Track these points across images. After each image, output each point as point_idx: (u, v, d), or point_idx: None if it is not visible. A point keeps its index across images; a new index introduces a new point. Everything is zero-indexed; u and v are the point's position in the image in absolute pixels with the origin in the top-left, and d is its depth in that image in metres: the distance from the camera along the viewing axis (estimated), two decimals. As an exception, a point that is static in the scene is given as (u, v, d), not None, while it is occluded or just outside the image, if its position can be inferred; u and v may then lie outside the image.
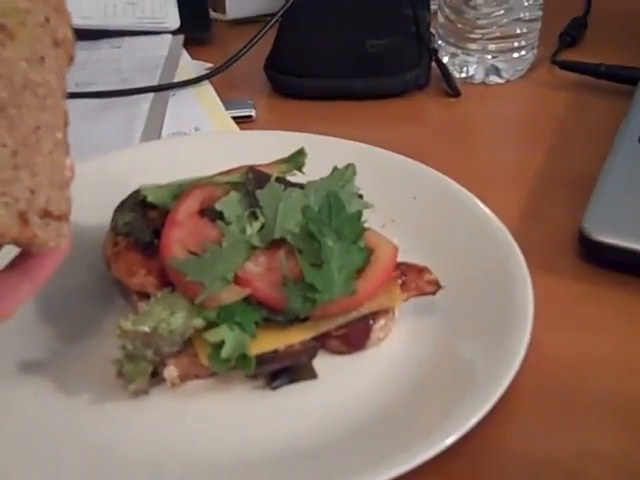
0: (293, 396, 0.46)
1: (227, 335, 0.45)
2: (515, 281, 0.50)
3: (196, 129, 0.70)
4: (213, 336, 0.45)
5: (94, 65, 0.78)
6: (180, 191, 0.51)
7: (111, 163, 0.61)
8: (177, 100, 0.73)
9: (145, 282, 0.48)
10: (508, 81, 0.77)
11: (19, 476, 0.41)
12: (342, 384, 0.47)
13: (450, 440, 0.41)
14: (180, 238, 0.48)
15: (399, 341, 0.49)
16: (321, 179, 0.51)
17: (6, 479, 0.40)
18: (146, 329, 0.45)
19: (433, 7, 0.78)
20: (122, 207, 0.52)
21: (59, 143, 0.41)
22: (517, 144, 0.71)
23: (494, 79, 0.77)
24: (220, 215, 0.49)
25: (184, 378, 0.46)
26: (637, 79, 0.69)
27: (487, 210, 0.55)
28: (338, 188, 0.50)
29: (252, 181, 0.51)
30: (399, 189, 0.59)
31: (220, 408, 0.46)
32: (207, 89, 0.75)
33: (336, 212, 0.49)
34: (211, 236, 0.48)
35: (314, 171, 0.53)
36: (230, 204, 0.49)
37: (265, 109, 0.74)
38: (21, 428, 0.44)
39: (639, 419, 0.45)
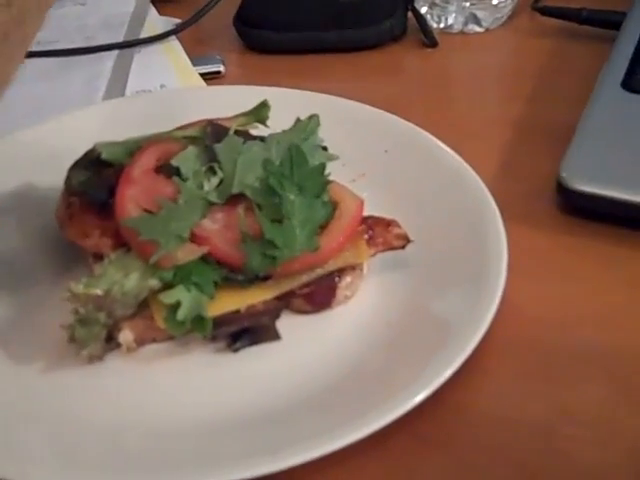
0: (256, 359, 0.44)
1: (183, 296, 0.42)
2: (488, 233, 0.47)
3: (162, 86, 0.67)
4: (168, 297, 0.42)
5: (57, 22, 0.75)
6: (136, 147, 0.49)
7: (72, 122, 0.59)
8: (143, 57, 0.71)
9: (100, 243, 0.46)
10: (488, 30, 0.74)
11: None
12: (307, 345, 0.45)
13: (419, 398, 0.39)
14: (134, 196, 0.45)
15: (367, 299, 0.47)
16: (283, 131, 0.49)
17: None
18: (98, 292, 0.42)
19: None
20: (76, 166, 0.50)
21: None
22: (497, 95, 0.68)
23: (473, 28, 0.74)
24: (177, 171, 0.46)
25: (140, 342, 0.44)
26: (619, 24, 0.66)
27: (461, 161, 0.53)
28: (301, 140, 0.48)
29: (210, 135, 0.48)
30: (370, 142, 0.56)
31: (179, 373, 0.44)
32: (174, 45, 0.72)
33: (298, 165, 0.46)
34: (167, 193, 0.45)
35: (282, 125, 0.50)
36: (187, 159, 0.47)
37: (235, 65, 0.71)
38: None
39: (619, 375, 0.43)
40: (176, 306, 0.42)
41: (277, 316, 0.45)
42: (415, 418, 0.40)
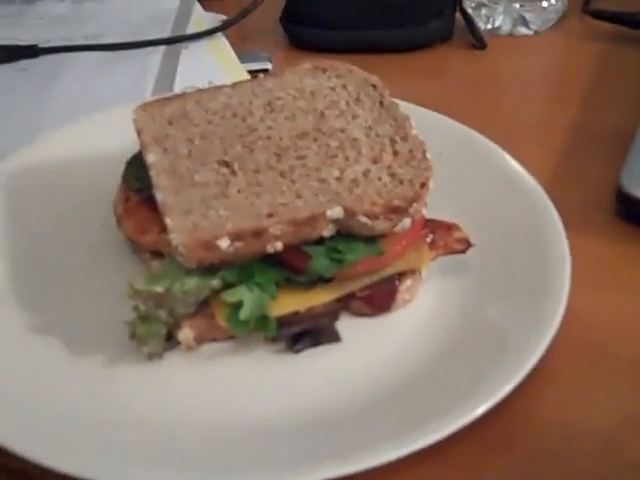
0: (316, 360, 0.44)
1: (246, 295, 0.42)
2: (550, 240, 0.47)
3: (210, 83, 0.67)
4: (231, 296, 0.42)
5: (103, 17, 0.75)
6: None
7: (124, 115, 0.58)
8: (190, 53, 0.70)
9: (158, 240, 0.46)
10: (537, 32, 0.73)
11: (30, 440, 0.39)
12: (367, 348, 0.45)
13: (481, 410, 0.39)
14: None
15: (426, 303, 0.47)
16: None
17: (16, 443, 0.38)
18: (159, 289, 0.42)
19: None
20: (134, 160, 0.50)
21: None
22: (547, 98, 0.67)
23: (521, 30, 0.73)
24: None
25: (200, 341, 0.44)
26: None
27: (519, 166, 0.53)
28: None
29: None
30: (425, 145, 0.56)
31: (238, 373, 0.44)
32: (221, 42, 0.72)
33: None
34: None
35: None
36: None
37: (282, 63, 0.71)
38: (32, 391, 0.42)
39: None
40: (238, 305, 0.42)
41: (336, 318, 0.45)
42: (478, 425, 0.39)
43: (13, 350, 0.44)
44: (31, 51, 0.69)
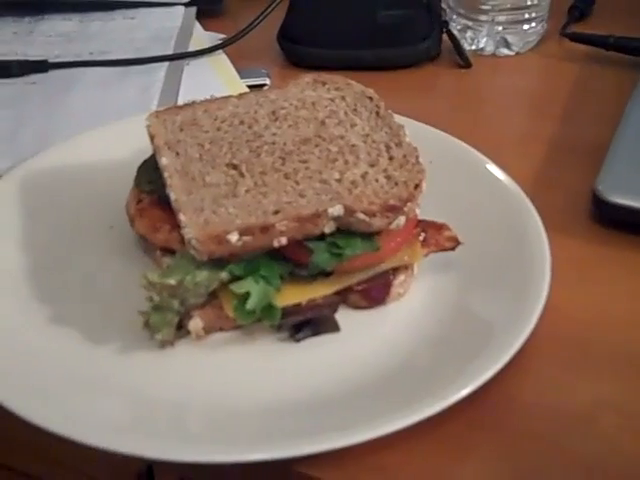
0: (316, 348, 0.47)
1: (252, 287, 0.45)
2: (532, 240, 0.51)
3: (212, 97, 0.70)
4: (239, 287, 0.45)
5: (108, 35, 0.79)
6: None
7: (131, 126, 0.62)
8: (192, 69, 0.74)
9: (170, 238, 0.49)
10: (518, 53, 0.78)
11: (48, 419, 0.41)
12: (364, 337, 0.48)
13: (466, 391, 0.43)
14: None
15: (418, 297, 0.50)
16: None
17: (38, 418, 0.41)
18: (172, 282, 0.45)
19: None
20: (145, 165, 0.53)
21: None
22: (528, 114, 0.72)
23: (504, 51, 0.77)
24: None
25: (209, 330, 0.47)
26: (647, 50, 0.71)
27: (503, 173, 0.57)
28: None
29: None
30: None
31: (244, 359, 0.47)
32: (221, 58, 0.75)
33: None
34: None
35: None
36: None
37: (279, 79, 0.75)
38: (52, 374, 0.45)
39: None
40: (245, 296, 0.45)
41: (335, 309, 0.48)
42: (466, 405, 0.43)
43: (35, 339, 0.47)
44: (41, 66, 0.72)
